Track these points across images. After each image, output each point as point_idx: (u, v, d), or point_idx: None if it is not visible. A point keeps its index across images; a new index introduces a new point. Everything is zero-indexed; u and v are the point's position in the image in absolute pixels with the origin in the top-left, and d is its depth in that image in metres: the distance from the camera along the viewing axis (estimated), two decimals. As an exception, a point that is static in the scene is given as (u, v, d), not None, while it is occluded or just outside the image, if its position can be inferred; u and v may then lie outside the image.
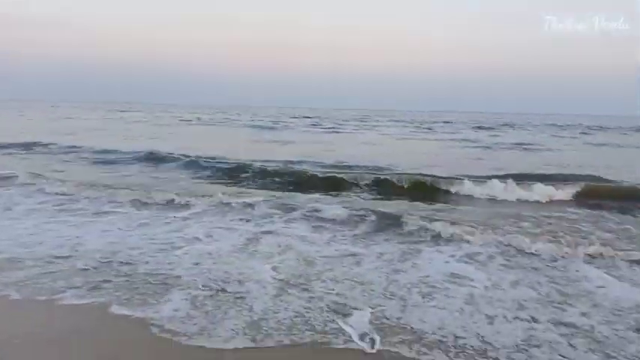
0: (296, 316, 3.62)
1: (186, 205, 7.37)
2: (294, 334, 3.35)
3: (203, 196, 7.82)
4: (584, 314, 3.74)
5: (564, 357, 3.09)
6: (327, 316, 3.63)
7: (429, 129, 33.35)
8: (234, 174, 11.17)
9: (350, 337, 3.32)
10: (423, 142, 22.76)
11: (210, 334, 3.34)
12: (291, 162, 12.51)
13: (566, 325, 3.55)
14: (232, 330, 3.40)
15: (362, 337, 3.32)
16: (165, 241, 5.49)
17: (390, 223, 6.42)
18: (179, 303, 3.83)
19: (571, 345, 3.25)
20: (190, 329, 3.40)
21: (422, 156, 15.87)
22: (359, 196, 8.93)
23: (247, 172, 11.16)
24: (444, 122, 45.93)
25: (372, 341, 3.26)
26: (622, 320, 3.64)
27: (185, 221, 6.51)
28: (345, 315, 3.66)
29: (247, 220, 6.60)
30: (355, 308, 3.78)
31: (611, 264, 4.89)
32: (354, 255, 5.18)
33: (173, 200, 7.63)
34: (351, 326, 3.47)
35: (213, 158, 12.82)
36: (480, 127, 35.54)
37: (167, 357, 3.14)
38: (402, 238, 5.86)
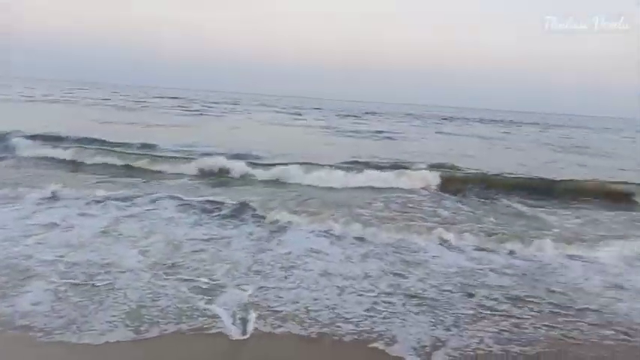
0: (178, 302, 3.58)
1: (32, 191, 6.57)
2: (174, 322, 3.32)
3: (46, 183, 7.01)
4: (420, 280, 4.31)
5: (402, 320, 3.54)
6: (201, 300, 3.65)
7: (299, 115, 34.13)
8: (79, 158, 10.20)
9: (222, 319, 3.39)
10: (290, 128, 23.01)
11: (80, 329, 3.13)
12: (148, 145, 11.72)
13: (404, 290, 4.06)
14: (109, 322, 3.24)
15: (231, 318, 3.41)
16: (14, 230, 4.95)
17: (250, 208, 6.43)
18: (40, 296, 3.51)
19: (407, 309, 3.73)
20: (54, 324, 3.16)
21: (285, 142, 15.83)
22: (218, 182, 8.79)
23: (94, 156, 10.27)
24: (314, 109, 47.32)
25: (243, 321, 3.37)
26: (449, 283, 4.29)
27: (35, 207, 5.89)
28: (216, 297, 3.72)
29: (105, 204, 6.20)
30: (224, 289, 3.87)
31: (445, 237, 5.59)
32: (221, 237, 5.25)
33: (15, 186, 6.77)
34: (221, 308, 3.55)
35: (59, 139, 11.62)
36: (347, 115, 37.39)
37: (17, 357, 2.89)
38: (261, 223, 5.94)
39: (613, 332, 3.54)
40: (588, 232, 6.30)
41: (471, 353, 3.16)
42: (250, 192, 7.87)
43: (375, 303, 3.79)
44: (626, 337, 3.48)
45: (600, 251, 5.30)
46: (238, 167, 9.56)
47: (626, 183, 9.55)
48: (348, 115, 37.26)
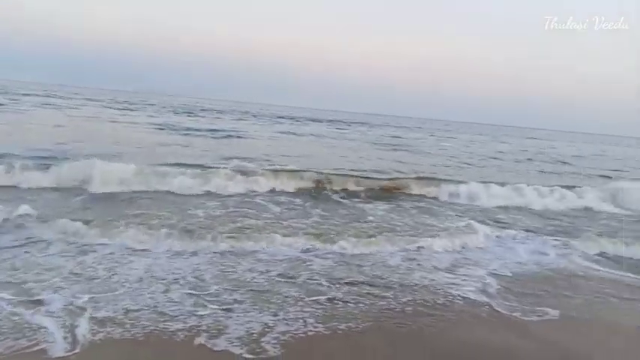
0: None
1: None
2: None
3: None
4: (248, 270, 4.51)
5: (230, 311, 3.60)
6: (22, 312, 3.30)
7: (129, 110, 31.44)
8: None
9: (48, 332, 3.10)
10: (116, 124, 20.18)
11: None
12: None
13: (232, 281, 4.18)
14: None
15: (59, 330, 3.12)
16: None
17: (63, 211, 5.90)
18: None
19: (235, 299, 3.84)
20: None
21: (110, 140, 13.81)
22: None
23: None
24: (147, 104, 44.22)
25: (71, 332, 3.12)
26: (275, 269, 4.57)
27: None
28: (37, 307, 3.40)
29: None
30: (43, 298, 3.54)
31: (277, 230, 5.88)
32: (33, 241, 4.77)
33: None
34: (46, 316, 3.26)
35: None
36: (182, 112, 35.55)
37: None
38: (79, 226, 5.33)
39: (411, 299, 4.17)
40: (395, 219, 7.24)
41: (302, 335, 3.35)
42: (56, 196, 7.02)
43: (200, 297, 3.81)
44: (422, 302, 4.12)
45: (403, 234, 6.16)
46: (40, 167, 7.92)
47: (427, 178, 11.08)
48: (184, 112, 35.41)
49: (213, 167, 9.68)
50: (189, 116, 31.43)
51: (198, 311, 3.57)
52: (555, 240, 6.67)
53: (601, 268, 5.65)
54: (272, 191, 8.76)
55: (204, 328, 3.35)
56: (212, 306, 3.68)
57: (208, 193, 8.08)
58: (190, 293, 3.87)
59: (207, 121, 27.62)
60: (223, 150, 14.09)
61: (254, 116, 40.97)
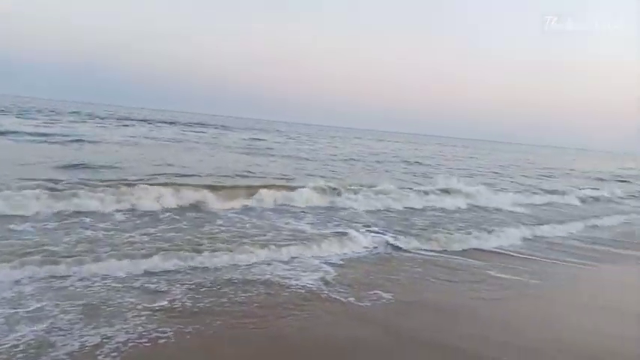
0: None
1: None
2: None
3: None
4: (79, 280, 4.26)
5: (58, 326, 3.34)
6: None
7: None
8: None
9: None
10: None
11: None
12: None
13: (60, 294, 3.90)
14: None
15: None
16: None
17: None
18: None
19: (64, 310, 3.60)
20: None
21: None
22: None
23: None
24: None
25: None
26: (109, 279, 4.36)
27: None
28: None
29: None
30: None
31: (115, 241, 5.54)
32: None
33: None
34: None
35: None
36: (15, 114, 30.54)
37: None
38: None
39: (256, 293, 4.39)
40: (245, 220, 7.38)
41: (146, 343, 3.22)
42: None
43: (24, 315, 3.47)
44: (266, 292, 4.40)
45: (251, 237, 6.33)
46: None
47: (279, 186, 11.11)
48: (12, 114, 30.35)
49: (47, 180, 8.40)
50: (18, 118, 27.17)
51: (16, 330, 3.23)
52: (386, 233, 7.42)
53: (425, 254, 6.51)
54: (117, 201, 7.94)
55: (21, 348, 3.04)
56: (34, 324, 3.35)
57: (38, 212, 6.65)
58: (6, 312, 3.48)
59: (47, 124, 23.59)
60: (62, 158, 12.07)
61: (101, 118, 36.89)
